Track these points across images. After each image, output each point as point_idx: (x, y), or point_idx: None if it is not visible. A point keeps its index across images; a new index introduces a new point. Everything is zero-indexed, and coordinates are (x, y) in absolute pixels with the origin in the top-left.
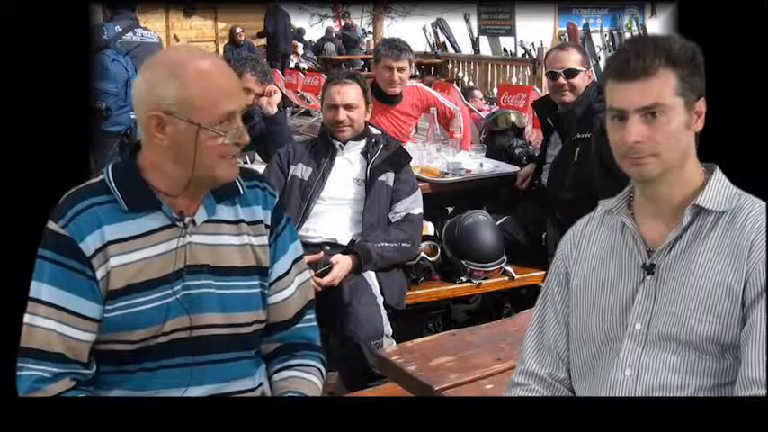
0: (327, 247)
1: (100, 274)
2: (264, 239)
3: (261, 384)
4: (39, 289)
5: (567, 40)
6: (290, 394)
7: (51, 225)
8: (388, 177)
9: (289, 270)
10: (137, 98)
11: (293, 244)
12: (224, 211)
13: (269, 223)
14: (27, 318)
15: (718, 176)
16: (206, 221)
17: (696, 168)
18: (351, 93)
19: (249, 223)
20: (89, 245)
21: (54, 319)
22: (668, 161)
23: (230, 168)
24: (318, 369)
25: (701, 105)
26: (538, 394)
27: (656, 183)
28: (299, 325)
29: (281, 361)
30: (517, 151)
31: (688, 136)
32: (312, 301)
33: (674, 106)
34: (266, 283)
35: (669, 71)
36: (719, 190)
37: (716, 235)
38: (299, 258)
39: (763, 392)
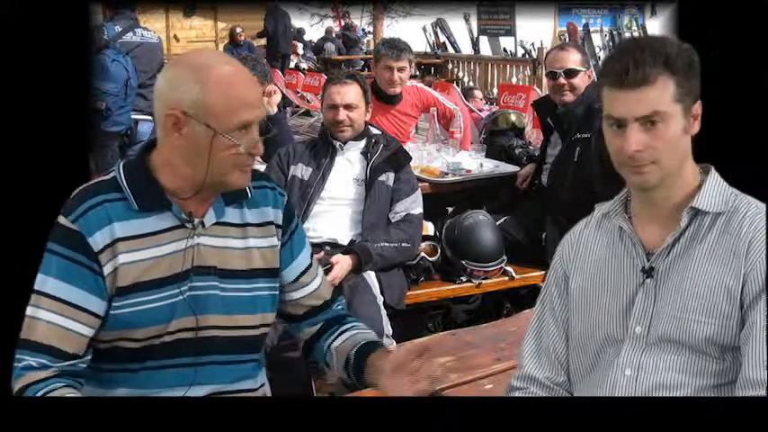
0: (327, 247)
1: (107, 270)
2: (274, 240)
3: (262, 385)
4: (44, 282)
5: (567, 40)
6: (366, 340)
7: (61, 219)
8: (388, 177)
9: (311, 264)
10: (157, 95)
11: (307, 241)
12: (232, 214)
13: (280, 223)
14: (30, 310)
15: (714, 177)
16: (215, 224)
17: (692, 170)
18: (351, 93)
19: (257, 225)
20: (98, 240)
21: (57, 313)
22: (667, 167)
23: (242, 177)
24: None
25: (697, 108)
26: (535, 397)
27: (655, 188)
28: (335, 306)
29: (333, 331)
30: (517, 151)
31: (686, 140)
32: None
33: (673, 113)
34: (275, 285)
35: (667, 78)
36: (715, 191)
37: (713, 236)
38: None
39: (763, 393)
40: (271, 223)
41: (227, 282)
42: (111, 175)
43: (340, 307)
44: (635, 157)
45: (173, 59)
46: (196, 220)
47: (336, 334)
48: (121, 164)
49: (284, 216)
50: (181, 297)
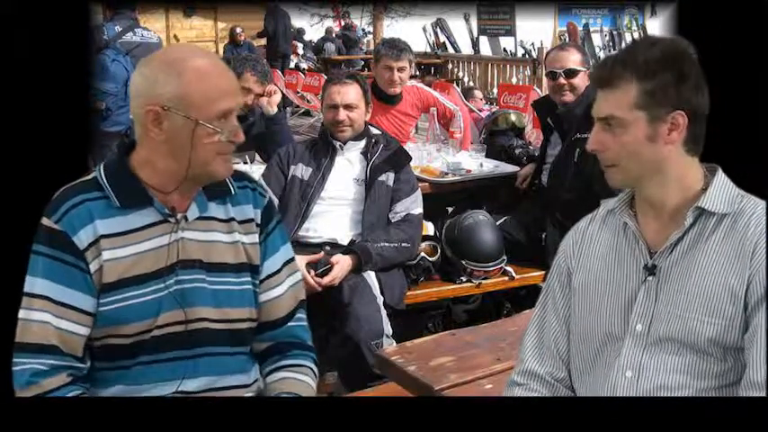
0: (327, 247)
1: (93, 267)
2: (255, 237)
3: (256, 381)
4: (33, 283)
5: (567, 40)
6: (283, 396)
7: (44, 221)
8: (388, 177)
9: (279, 270)
10: (134, 93)
11: (284, 245)
12: (215, 209)
13: (259, 222)
14: (22, 313)
15: (721, 178)
16: (198, 218)
17: (695, 171)
18: (351, 93)
19: (240, 222)
20: (82, 239)
21: (49, 312)
22: (630, 172)
23: (225, 165)
24: (311, 369)
25: (677, 118)
26: (537, 394)
27: (642, 187)
28: (290, 324)
29: (273, 362)
30: (517, 151)
31: (654, 149)
32: (303, 302)
33: (632, 120)
34: (257, 281)
35: (632, 83)
36: (722, 192)
37: (718, 237)
38: (291, 260)
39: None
40: (252, 221)
41: (214, 275)
42: (93, 174)
43: (297, 324)
44: (597, 155)
45: (146, 57)
46: (179, 215)
47: (273, 368)
48: (102, 164)
49: (263, 216)
50: (167, 291)
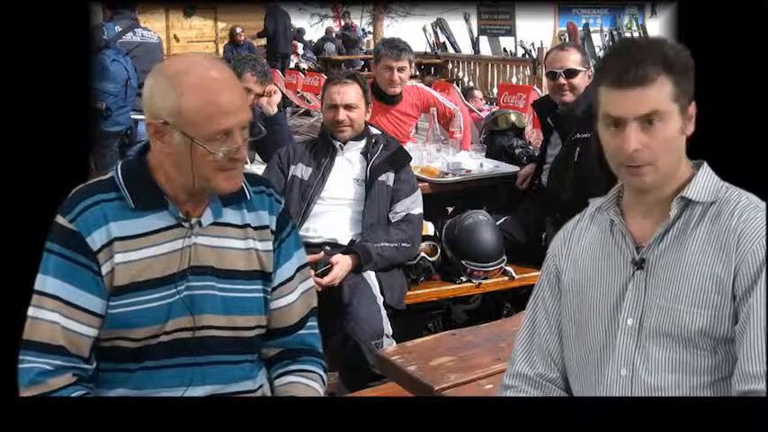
0: (327, 247)
1: (105, 269)
2: (269, 245)
3: (261, 386)
4: (44, 282)
5: (567, 40)
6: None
7: (59, 219)
8: (388, 177)
9: (292, 277)
10: (144, 103)
11: (298, 252)
12: (230, 215)
13: (274, 229)
14: (31, 311)
15: (705, 170)
16: (212, 224)
17: (685, 166)
18: (351, 93)
19: (255, 228)
20: (95, 240)
21: (59, 313)
22: (664, 169)
23: (230, 180)
24: (319, 375)
25: (692, 109)
26: (528, 395)
27: (652, 189)
28: (301, 332)
29: (283, 366)
30: (517, 151)
31: (682, 141)
32: (315, 309)
33: (671, 112)
34: (269, 289)
35: (666, 77)
36: (705, 182)
37: (704, 227)
38: (304, 266)
39: (762, 386)
40: (267, 227)
41: (226, 282)
42: (109, 175)
43: (308, 332)
44: (633, 156)
45: (156, 66)
46: (193, 220)
47: (281, 372)
48: (120, 164)
49: (278, 223)
50: (177, 297)
